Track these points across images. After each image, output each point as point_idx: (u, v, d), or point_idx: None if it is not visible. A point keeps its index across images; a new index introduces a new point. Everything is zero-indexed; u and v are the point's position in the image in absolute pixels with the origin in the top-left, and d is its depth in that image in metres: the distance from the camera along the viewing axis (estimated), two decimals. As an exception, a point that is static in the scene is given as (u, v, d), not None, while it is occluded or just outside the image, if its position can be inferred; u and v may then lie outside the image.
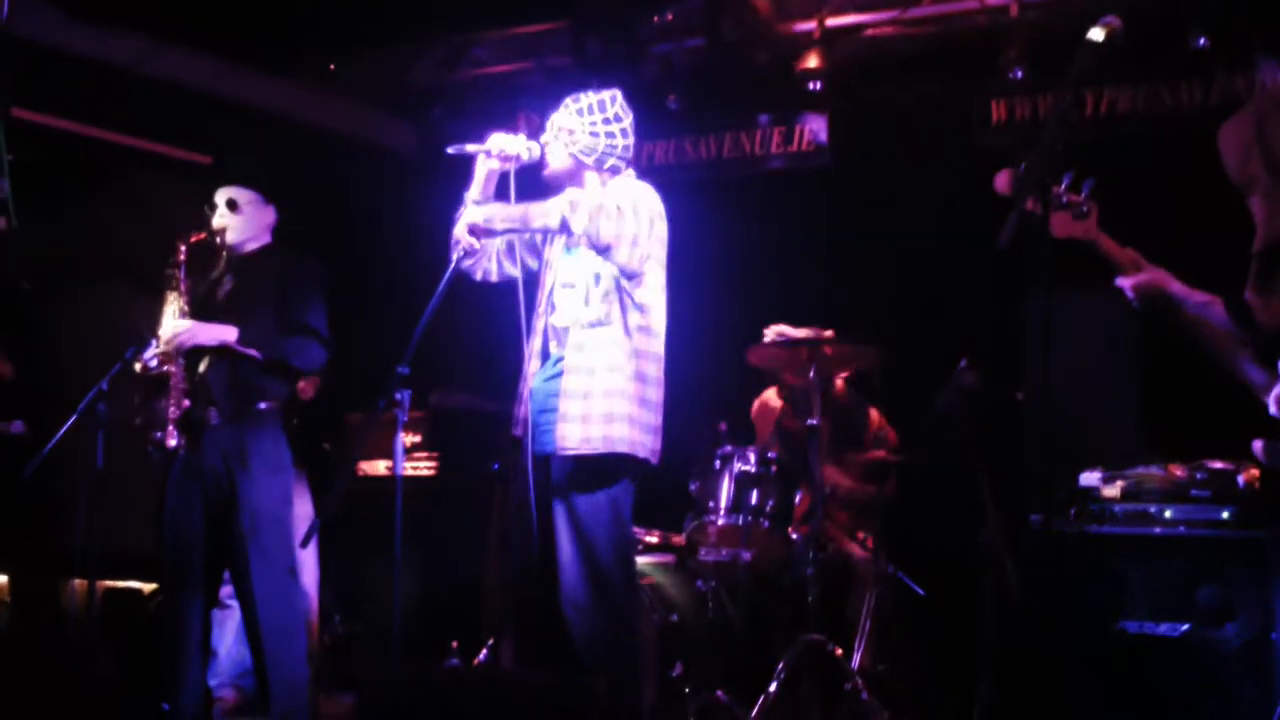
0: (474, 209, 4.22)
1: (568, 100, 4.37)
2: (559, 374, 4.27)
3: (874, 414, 6.30)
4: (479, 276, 4.46)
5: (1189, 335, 3.48)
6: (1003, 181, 3.50)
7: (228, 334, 4.98)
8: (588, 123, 4.31)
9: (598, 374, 4.21)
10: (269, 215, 5.30)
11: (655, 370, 4.34)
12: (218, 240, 5.20)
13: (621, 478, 4.26)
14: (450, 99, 7.60)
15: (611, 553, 4.25)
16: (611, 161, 4.35)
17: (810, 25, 6.70)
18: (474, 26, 7.34)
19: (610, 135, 4.33)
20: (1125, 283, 3.50)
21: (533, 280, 4.51)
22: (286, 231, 5.34)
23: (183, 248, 5.11)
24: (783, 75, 6.84)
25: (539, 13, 7.20)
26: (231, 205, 5.21)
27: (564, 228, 4.10)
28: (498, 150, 4.27)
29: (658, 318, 4.35)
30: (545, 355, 4.38)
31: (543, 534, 4.31)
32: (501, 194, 4.33)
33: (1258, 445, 3.55)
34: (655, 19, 6.99)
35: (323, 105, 7.70)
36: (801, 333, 5.62)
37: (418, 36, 7.42)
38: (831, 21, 6.68)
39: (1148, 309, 3.47)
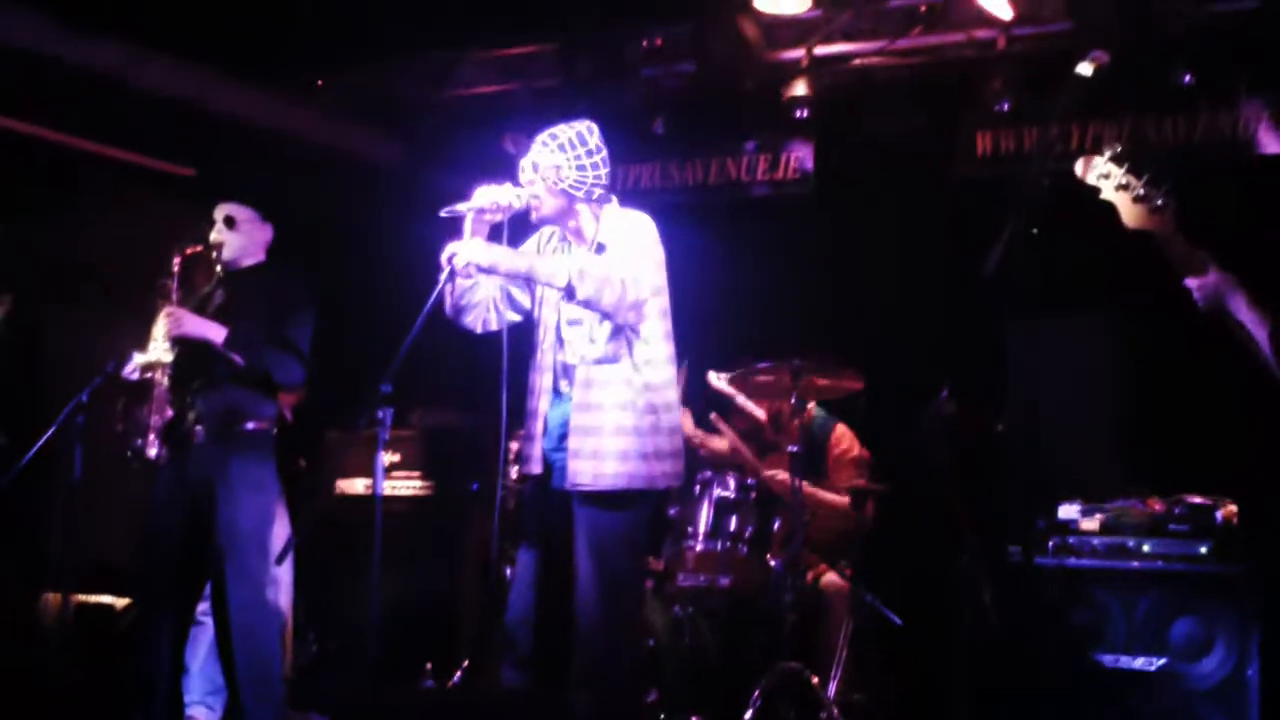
0: (482, 249, 4.15)
1: (543, 139, 4.32)
2: (568, 412, 4.28)
3: (837, 431, 6.20)
4: (479, 329, 4.41)
5: (1243, 343, 3.48)
6: (1083, 167, 3.52)
7: (214, 332, 4.95)
8: (572, 158, 4.27)
9: (606, 410, 4.22)
10: (266, 233, 5.29)
11: (668, 396, 4.34)
12: (213, 255, 5.19)
13: (641, 505, 4.27)
14: (438, 117, 7.59)
15: (628, 572, 4.29)
16: (598, 192, 4.33)
17: (798, 53, 6.71)
18: (462, 46, 7.34)
19: (594, 167, 4.29)
20: (1192, 283, 3.50)
21: (525, 319, 4.50)
22: (274, 247, 5.32)
23: (177, 259, 5.11)
24: (770, 102, 6.85)
25: (527, 34, 7.21)
26: (229, 222, 5.20)
27: (568, 292, 4.08)
28: (490, 204, 4.23)
29: (661, 348, 4.35)
30: (556, 392, 4.37)
31: (551, 567, 4.30)
32: (493, 239, 4.31)
33: None
34: (644, 43, 6.99)
35: (308, 119, 7.68)
36: (727, 388, 5.72)
37: (406, 54, 7.42)
38: (819, 50, 6.69)
39: (1211, 311, 3.47)
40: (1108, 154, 3.53)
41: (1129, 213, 3.51)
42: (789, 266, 7.15)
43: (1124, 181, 3.50)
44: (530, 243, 4.49)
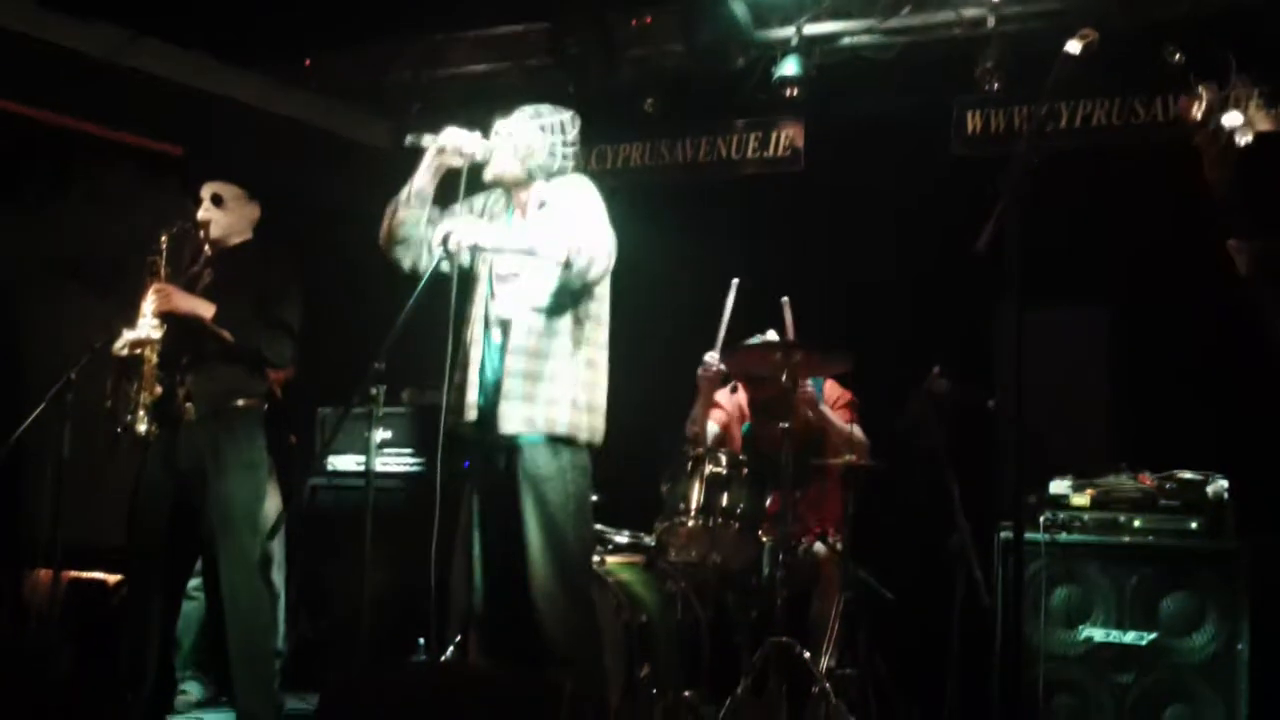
0: (486, 232, 4.26)
1: (530, 112, 4.41)
2: (503, 359, 4.30)
3: (827, 387, 6.20)
4: (407, 265, 4.45)
5: (1261, 314, 3.42)
6: (1187, 106, 3.45)
7: (204, 308, 4.96)
8: (548, 142, 4.38)
9: (543, 358, 4.28)
10: (254, 211, 5.29)
11: (602, 357, 4.42)
12: (200, 234, 5.18)
13: (574, 460, 4.31)
14: (428, 97, 7.57)
15: (578, 543, 4.35)
16: (555, 175, 4.42)
17: (788, 32, 6.70)
18: (452, 26, 7.32)
19: (564, 157, 4.41)
20: (1239, 245, 3.42)
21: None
22: (263, 226, 5.32)
23: (165, 237, 5.11)
24: (760, 81, 6.84)
25: (518, 14, 7.19)
26: (217, 200, 5.20)
27: (566, 265, 4.17)
28: (453, 145, 4.29)
29: (606, 306, 4.43)
30: (489, 342, 4.38)
31: (497, 526, 4.36)
32: (446, 187, 4.38)
33: None
34: (634, 22, 6.98)
35: (298, 100, 7.65)
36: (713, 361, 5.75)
37: (395, 34, 7.39)
38: (809, 29, 6.68)
39: (1253, 277, 3.41)
40: (1211, 99, 3.43)
41: (1213, 163, 3.42)
42: (779, 245, 7.15)
43: (1216, 131, 3.41)
44: (475, 203, 4.54)
